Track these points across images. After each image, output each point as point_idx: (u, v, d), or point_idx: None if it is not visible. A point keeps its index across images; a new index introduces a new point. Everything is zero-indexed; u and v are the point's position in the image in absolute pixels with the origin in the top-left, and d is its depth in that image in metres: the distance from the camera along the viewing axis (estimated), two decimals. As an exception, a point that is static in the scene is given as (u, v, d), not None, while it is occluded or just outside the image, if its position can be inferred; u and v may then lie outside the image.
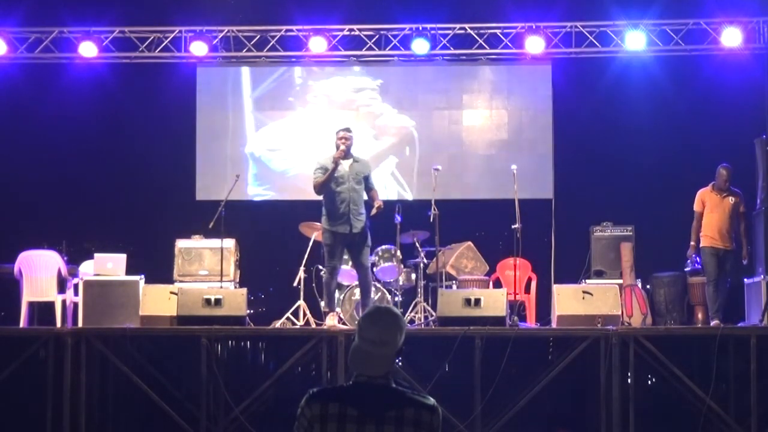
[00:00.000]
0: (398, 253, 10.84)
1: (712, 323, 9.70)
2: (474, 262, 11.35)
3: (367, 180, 9.55)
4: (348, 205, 9.31)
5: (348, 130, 9.52)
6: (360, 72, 13.40)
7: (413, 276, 11.03)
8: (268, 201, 13.32)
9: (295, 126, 13.41)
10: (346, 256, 9.89)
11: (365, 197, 9.54)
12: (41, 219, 12.65)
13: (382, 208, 9.39)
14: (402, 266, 10.93)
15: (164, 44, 12.68)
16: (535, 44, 12.41)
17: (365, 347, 3.52)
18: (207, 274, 11.04)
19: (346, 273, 10.58)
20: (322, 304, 9.94)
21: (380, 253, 10.84)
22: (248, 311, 9.84)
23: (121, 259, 10.71)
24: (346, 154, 9.39)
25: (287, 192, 13.24)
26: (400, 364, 9.02)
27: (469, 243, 11.47)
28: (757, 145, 10.72)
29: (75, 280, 10.67)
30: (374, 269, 10.77)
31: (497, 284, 11.16)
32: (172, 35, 12.67)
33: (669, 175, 12.92)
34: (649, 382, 9.84)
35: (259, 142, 13.42)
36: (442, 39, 12.68)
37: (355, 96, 13.45)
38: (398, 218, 10.73)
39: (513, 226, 9.98)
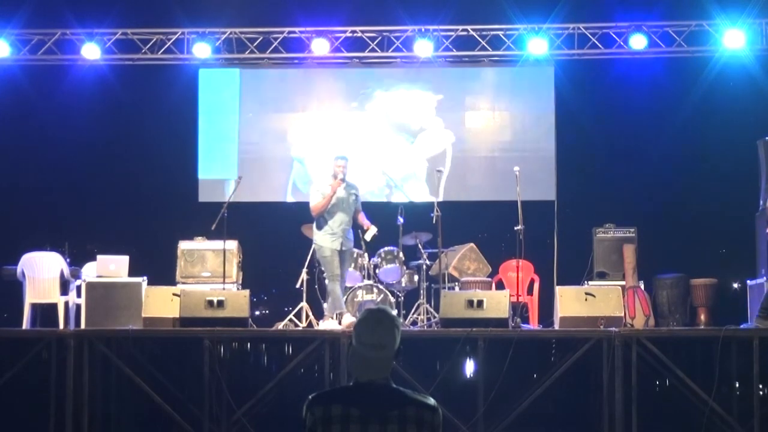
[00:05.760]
0: (401, 254, 10.85)
1: None
2: (476, 263, 11.34)
3: (356, 201, 10.11)
4: (341, 225, 9.90)
5: (344, 158, 10.08)
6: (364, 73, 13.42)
7: (416, 278, 11.03)
8: (270, 202, 13.32)
9: (300, 128, 13.44)
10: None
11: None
12: (44, 221, 12.66)
13: (376, 232, 10.10)
14: (404, 268, 10.93)
15: (167, 46, 12.71)
16: (537, 46, 12.42)
17: (365, 352, 3.51)
18: (209, 275, 11.05)
19: (349, 274, 10.62)
20: (325, 306, 10.10)
21: (383, 255, 10.84)
22: (252, 313, 9.84)
23: (123, 260, 10.71)
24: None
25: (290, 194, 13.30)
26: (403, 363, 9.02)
27: (472, 245, 11.47)
28: (760, 146, 10.71)
29: (78, 282, 10.68)
30: (377, 271, 10.81)
31: (500, 286, 11.15)
32: (175, 37, 12.70)
33: (671, 177, 12.93)
34: (652, 384, 9.81)
35: (262, 143, 13.46)
36: (444, 41, 12.69)
37: (359, 94, 13.49)
38: (401, 220, 10.74)
39: (515, 228, 9.96)
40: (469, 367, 9.71)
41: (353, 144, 13.09)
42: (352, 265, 10.69)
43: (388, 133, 13.39)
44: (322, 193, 9.90)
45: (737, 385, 9.49)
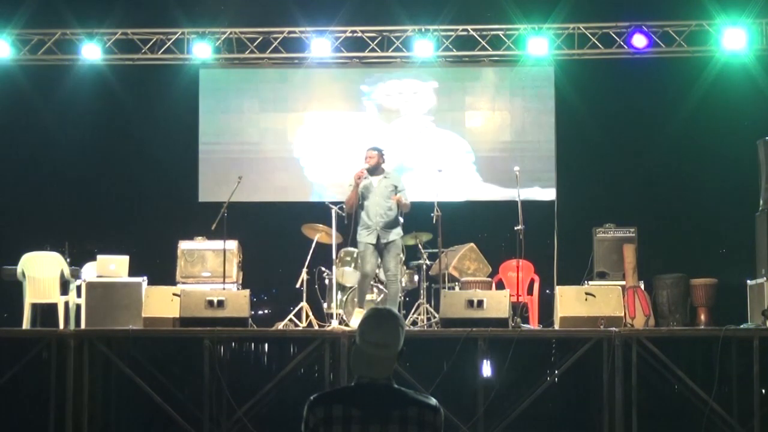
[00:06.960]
0: (401, 254, 10.83)
1: None
2: (476, 263, 11.34)
3: (395, 191, 9.85)
4: (376, 217, 9.72)
5: (374, 149, 9.91)
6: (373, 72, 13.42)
7: (416, 278, 11.02)
8: (270, 202, 13.32)
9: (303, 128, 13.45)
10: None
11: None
12: (44, 220, 12.66)
13: (403, 202, 9.74)
14: (404, 268, 10.93)
15: (167, 46, 12.71)
16: (537, 46, 12.42)
17: (368, 350, 3.50)
18: (210, 275, 11.05)
19: (350, 274, 10.61)
20: (325, 305, 10.14)
21: (383, 255, 10.83)
22: (251, 313, 9.84)
23: (123, 260, 10.71)
24: (374, 171, 9.79)
25: (291, 194, 13.30)
26: (407, 364, 9.03)
27: (472, 244, 11.46)
28: (760, 146, 10.70)
29: (78, 282, 10.67)
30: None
31: (500, 286, 11.14)
32: (175, 37, 12.70)
33: (672, 177, 12.94)
34: (652, 384, 9.81)
35: (262, 143, 13.47)
36: (444, 41, 12.69)
37: (358, 95, 13.49)
38: (400, 220, 10.72)
39: (515, 228, 9.96)
40: (486, 367, 9.63)
41: (358, 142, 13.05)
42: (353, 265, 10.66)
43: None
44: (349, 185, 9.83)
45: (737, 384, 9.49)
